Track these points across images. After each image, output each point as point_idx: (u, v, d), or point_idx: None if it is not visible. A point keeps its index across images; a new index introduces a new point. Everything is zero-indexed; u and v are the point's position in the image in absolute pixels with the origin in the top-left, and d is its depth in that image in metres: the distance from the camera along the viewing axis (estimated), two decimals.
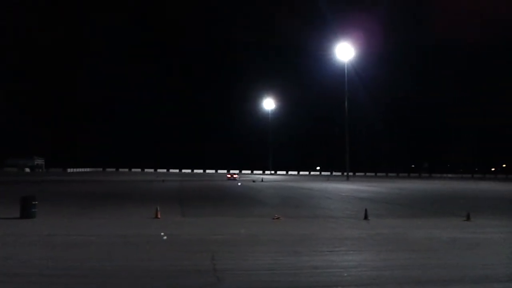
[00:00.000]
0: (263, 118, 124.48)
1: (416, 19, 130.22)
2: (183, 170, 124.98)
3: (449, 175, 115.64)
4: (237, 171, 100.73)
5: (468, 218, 19.81)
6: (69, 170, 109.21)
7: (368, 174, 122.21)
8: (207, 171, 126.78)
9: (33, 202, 18.31)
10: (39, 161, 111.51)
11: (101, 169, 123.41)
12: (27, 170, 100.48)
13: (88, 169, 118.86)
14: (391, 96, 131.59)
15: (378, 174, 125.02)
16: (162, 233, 14.83)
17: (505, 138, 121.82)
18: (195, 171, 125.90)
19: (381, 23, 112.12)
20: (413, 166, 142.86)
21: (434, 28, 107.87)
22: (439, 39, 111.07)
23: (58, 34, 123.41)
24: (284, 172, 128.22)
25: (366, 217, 19.66)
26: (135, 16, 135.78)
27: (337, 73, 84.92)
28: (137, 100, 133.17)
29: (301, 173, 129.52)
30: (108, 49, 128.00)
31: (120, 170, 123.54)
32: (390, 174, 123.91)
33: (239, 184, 53.91)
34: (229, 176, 71.32)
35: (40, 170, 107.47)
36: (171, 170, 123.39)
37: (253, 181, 61.41)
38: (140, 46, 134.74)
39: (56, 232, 15.20)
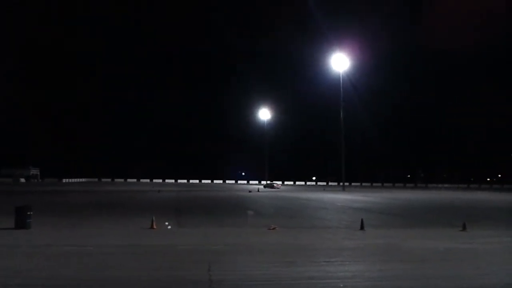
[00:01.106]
0: (258, 128, 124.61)
1: (411, 26, 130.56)
2: (179, 181, 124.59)
3: (445, 185, 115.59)
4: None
5: (464, 228, 19.83)
6: (64, 180, 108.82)
7: (364, 184, 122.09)
8: (203, 181, 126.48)
9: (28, 213, 18.24)
10: (34, 171, 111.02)
11: (96, 179, 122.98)
12: (22, 180, 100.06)
13: (83, 179, 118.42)
14: (387, 106, 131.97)
15: (374, 184, 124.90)
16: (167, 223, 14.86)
17: (500, 148, 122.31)
18: (191, 181, 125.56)
19: (376, 32, 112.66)
20: (409, 176, 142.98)
21: (430, 35, 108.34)
22: (434, 47, 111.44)
23: (57, 35, 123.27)
24: (280, 182, 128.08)
25: (362, 227, 19.66)
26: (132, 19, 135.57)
27: (332, 83, 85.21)
28: (133, 110, 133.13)
29: (297, 183, 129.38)
30: (107, 57, 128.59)
31: (116, 180, 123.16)
32: (386, 184, 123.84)
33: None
34: None
35: (36, 180, 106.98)
36: (166, 181, 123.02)
37: (250, 191, 61.30)
38: (136, 54, 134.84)
39: (51, 243, 15.15)
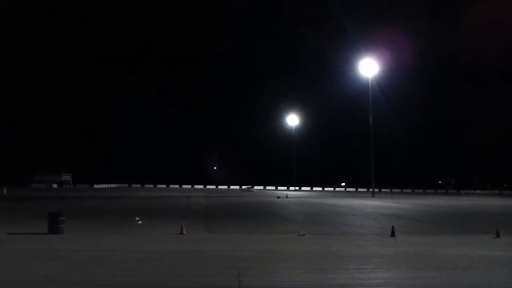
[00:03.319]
0: (287, 133, 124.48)
1: (444, 30, 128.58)
2: (208, 186, 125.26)
3: (477, 192, 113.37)
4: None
5: (497, 235, 19.35)
6: (95, 186, 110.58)
7: (394, 190, 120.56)
8: (231, 187, 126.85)
9: (61, 218, 18.54)
10: (67, 177, 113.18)
11: (126, 185, 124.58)
12: (55, 186, 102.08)
13: (114, 185, 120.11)
14: (417, 111, 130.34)
15: (404, 190, 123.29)
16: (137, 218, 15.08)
17: None
18: (220, 187, 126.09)
19: (405, 37, 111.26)
20: (440, 182, 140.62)
21: (463, 39, 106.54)
22: (469, 53, 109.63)
23: (77, 46, 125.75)
24: (308, 188, 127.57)
25: (393, 234, 19.36)
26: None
27: (361, 89, 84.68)
28: (162, 117, 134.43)
29: (326, 189, 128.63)
30: (137, 61, 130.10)
31: (146, 186, 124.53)
32: (416, 191, 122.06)
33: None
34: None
35: (68, 186, 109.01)
36: (195, 186, 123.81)
37: (278, 197, 61.16)
38: (158, 58, 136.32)
39: (82, 248, 15.35)
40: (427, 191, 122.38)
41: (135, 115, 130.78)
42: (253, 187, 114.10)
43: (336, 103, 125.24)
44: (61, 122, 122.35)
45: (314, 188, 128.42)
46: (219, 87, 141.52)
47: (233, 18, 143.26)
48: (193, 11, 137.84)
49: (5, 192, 60.74)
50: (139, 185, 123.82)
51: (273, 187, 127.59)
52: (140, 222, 17.09)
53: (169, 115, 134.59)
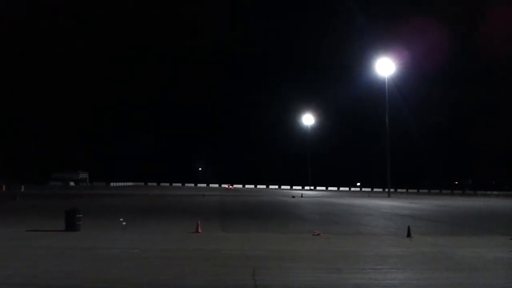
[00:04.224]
0: (302, 133, 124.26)
1: (462, 30, 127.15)
2: (223, 185, 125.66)
3: (494, 193, 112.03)
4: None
5: None
6: (112, 184, 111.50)
7: (410, 190, 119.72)
8: (246, 186, 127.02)
9: (78, 215, 18.74)
10: (83, 175, 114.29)
11: (142, 183, 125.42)
12: (72, 184, 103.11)
13: (130, 183, 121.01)
14: (434, 111, 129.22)
15: (420, 190, 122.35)
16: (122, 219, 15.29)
17: None
18: (234, 186, 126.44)
19: (423, 37, 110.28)
20: (456, 183, 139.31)
21: (487, 43, 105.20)
22: (490, 52, 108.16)
23: (78, 46, 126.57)
24: (323, 188, 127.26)
25: (409, 235, 19.23)
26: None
27: (377, 88, 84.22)
28: (178, 116, 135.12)
29: (341, 189, 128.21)
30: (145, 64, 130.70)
31: (161, 184, 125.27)
32: (432, 191, 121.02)
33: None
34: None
35: (84, 184, 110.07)
36: (210, 185, 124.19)
37: (293, 197, 61.10)
38: (179, 58, 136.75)
39: (99, 245, 15.49)
40: (443, 191, 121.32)
41: (135, 115, 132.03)
42: (267, 186, 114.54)
43: (352, 103, 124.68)
44: (77, 121, 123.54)
45: (329, 188, 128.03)
46: (242, 90, 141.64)
47: (247, 16, 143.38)
48: (193, 11, 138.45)
49: (23, 190, 61.53)
50: (154, 184, 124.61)
51: (288, 187, 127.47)
52: (124, 223, 17.25)
53: (172, 115, 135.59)
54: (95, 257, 13.35)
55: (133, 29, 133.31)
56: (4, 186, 64.73)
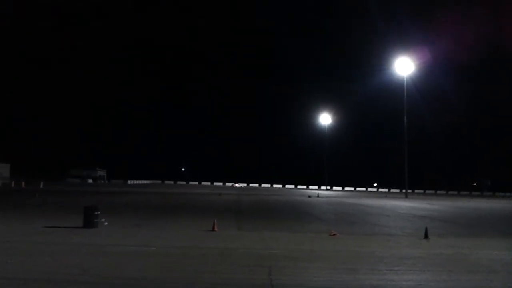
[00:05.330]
0: (319, 132, 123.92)
1: (482, 29, 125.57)
2: (235, 185, 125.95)
3: None
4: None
5: None
6: (129, 181, 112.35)
7: (427, 191, 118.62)
8: (262, 185, 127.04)
9: (96, 212, 18.91)
10: (101, 173, 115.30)
11: (159, 181, 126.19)
12: (90, 181, 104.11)
13: (147, 181, 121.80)
14: (453, 111, 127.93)
15: (438, 191, 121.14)
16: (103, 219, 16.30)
17: None
18: (251, 185, 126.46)
19: (442, 35, 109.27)
20: (475, 184, 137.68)
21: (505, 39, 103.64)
22: (504, 50, 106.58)
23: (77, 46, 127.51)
24: (340, 188, 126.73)
25: (426, 236, 19.06)
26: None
27: (396, 88, 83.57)
28: (194, 116, 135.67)
29: (357, 189, 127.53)
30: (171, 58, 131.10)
31: (178, 182, 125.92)
32: (450, 192, 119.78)
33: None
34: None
35: (102, 181, 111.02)
36: (226, 184, 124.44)
37: (309, 197, 60.94)
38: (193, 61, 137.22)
39: (116, 242, 15.63)
40: (461, 192, 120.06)
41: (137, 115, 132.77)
42: (284, 186, 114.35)
43: (370, 102, 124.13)
44: (96, 117, 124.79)
45: (346, 188, 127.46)
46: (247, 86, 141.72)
47: (264, 15, 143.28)
48: (193, 11, 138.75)
49: (41, 186, 62.28)
50: (171, 182, 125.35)
51: (304, 186, 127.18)
52: (106, 223, 17.40)
53: (176, 114, 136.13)
54: (112, 254, 13.47)
55: (133, 29, 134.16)
56: (23, 182, 65.54)
